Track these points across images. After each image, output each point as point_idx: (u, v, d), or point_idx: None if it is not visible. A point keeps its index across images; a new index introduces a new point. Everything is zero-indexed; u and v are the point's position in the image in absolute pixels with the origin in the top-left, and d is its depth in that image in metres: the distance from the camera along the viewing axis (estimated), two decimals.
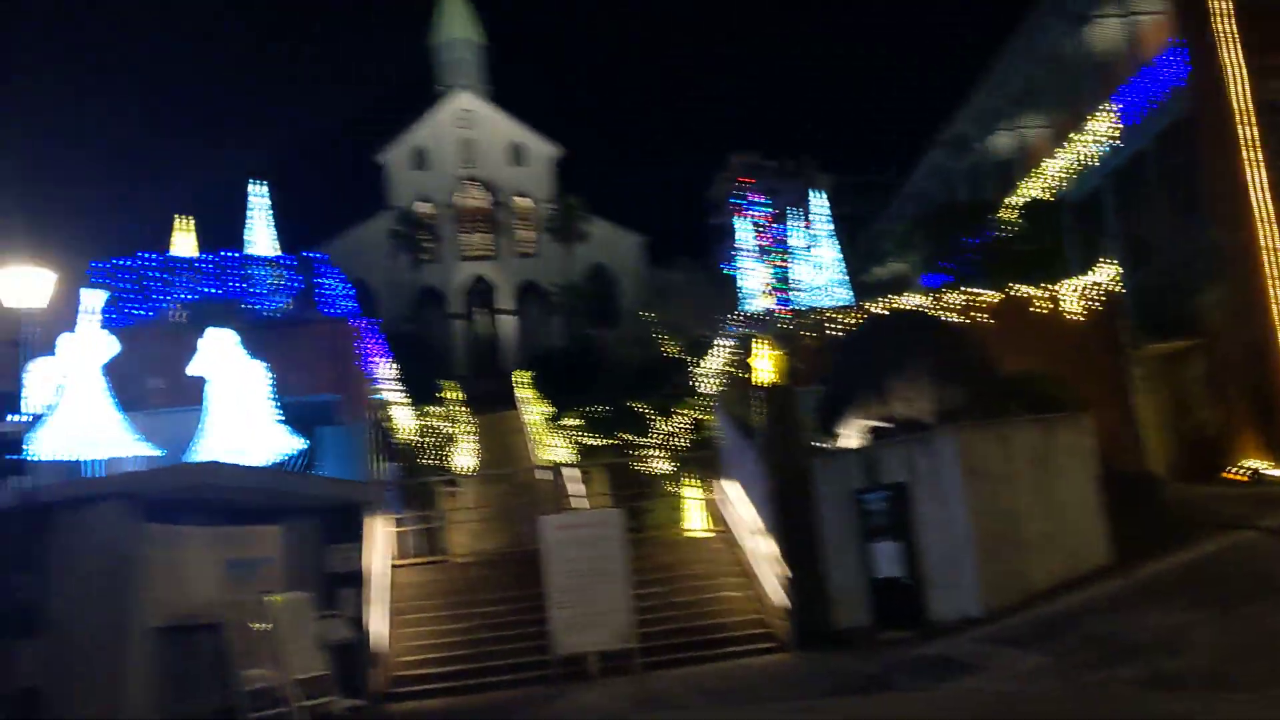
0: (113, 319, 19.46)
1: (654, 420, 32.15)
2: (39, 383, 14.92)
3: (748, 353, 20.31)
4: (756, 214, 19.34)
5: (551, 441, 35.45)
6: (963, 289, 21.95)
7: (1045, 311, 21.88)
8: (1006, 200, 27.81)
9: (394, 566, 18.17)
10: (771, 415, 16.91)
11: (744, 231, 19.57)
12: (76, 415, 14.99)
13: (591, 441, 33.80)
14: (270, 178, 25.06)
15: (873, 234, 41.06)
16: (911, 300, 21.69)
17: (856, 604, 16.08)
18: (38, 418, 14.44)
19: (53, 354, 15.69)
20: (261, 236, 23.52)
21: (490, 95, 62.92)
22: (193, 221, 25.55)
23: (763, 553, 17.18)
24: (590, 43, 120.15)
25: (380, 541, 17.25)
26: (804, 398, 17.99)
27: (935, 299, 21.65)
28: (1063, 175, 27.72)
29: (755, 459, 17.43)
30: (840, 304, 22.72)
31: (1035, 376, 17.64)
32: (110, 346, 15.83)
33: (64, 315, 17.19)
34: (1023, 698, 9.28)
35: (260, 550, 14.86)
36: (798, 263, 20.96)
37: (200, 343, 16.23)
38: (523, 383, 43.16)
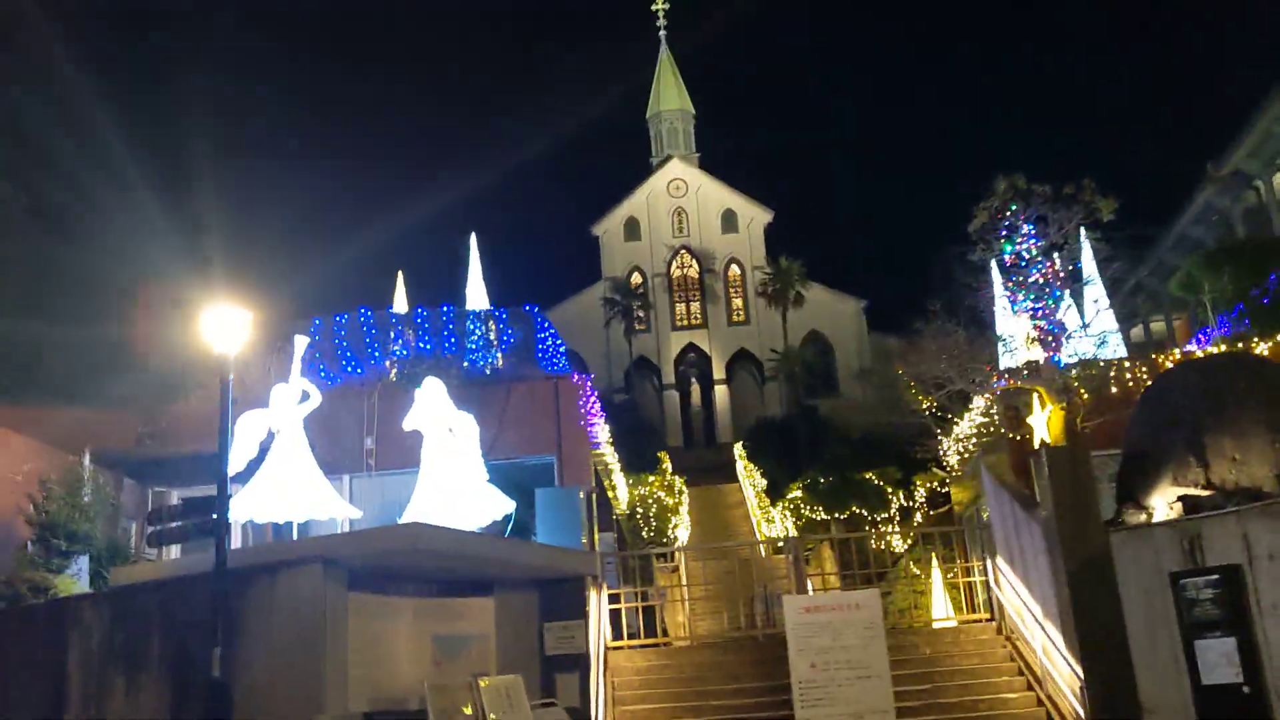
0: (328, 376, 18.77)
1: (889, 492, 29.35)
2: (246, 437, 14.01)
3: (1014, 411, 17.54)
4: (1024, 246, 16.66)
5: (772, 515, 33.12)
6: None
7: None
8: None
9: (610, 648, 16.30)
10: (1057, 483, 14.16)
11: (1008, 269, 16.96)
12: (278, 474, 13.97)
13: (816, 515, 31.32)
14: (486, 244, 24.44)
15: (1128, 289, 37.06)
16: (1213, 349, 18.43)
17: (1176, 714, 12.98)
18: (239, 476, 13.46)
19: (265, 407, 14.87)
20: (476, 293, 22.66)
21: (701, 163, 62.34)
22: (401, 276, 25.24)
23: (1050, 648, 14.32)
24: (802, 103, 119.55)
25: (598, 619, 15.43)
26: (1095, 463, 15.11)
27: (1241, 345, 18.25)
28: None
29: (1036, 534, 14.68)
30: (1120, 356, 19.57)
31: None
32: (313, 399, 14.86)
33: (278, 373, 16.54)
34: None
35: (471, 625, 13.28)
36: (1070, 306, 18.13)
37: (417, 393, 15.05)
38: (740, 454, 41.16)
